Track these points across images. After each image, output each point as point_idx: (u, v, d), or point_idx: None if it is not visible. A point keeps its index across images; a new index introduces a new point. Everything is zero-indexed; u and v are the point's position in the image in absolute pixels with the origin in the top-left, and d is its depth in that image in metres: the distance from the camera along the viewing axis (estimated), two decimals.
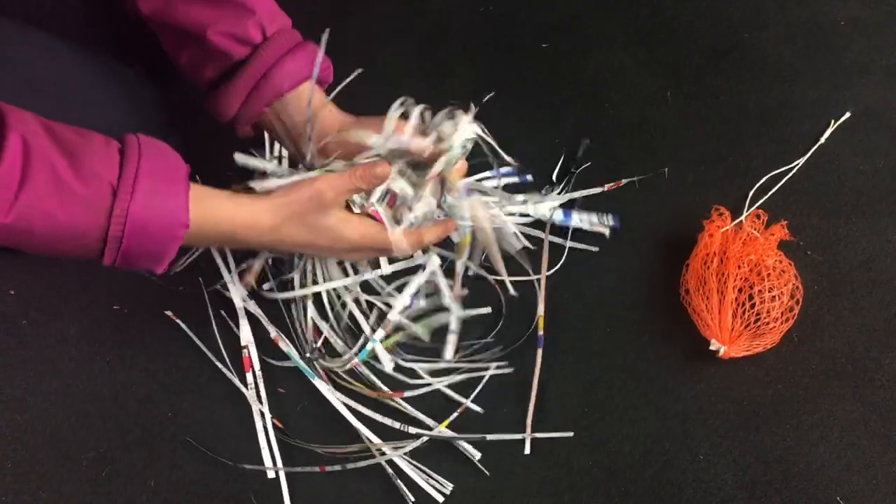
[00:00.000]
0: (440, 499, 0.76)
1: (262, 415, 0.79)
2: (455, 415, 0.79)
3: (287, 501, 0.77)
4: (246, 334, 0.82)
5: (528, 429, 0.79)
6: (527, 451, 0.79)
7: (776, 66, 0.99)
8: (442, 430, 0.79)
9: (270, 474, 0.77)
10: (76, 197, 0.61)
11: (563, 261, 0.87)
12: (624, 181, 0.92)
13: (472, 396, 0.80)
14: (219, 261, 0.85)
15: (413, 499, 0.76)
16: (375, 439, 0.78)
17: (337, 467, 0.77)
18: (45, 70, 0.76)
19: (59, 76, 0.77)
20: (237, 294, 0.84)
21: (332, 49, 1.01)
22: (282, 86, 0.76)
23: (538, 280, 0.86)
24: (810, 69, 0.99)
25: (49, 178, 0.60)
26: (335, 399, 0.80)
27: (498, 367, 0.82)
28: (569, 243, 0.88)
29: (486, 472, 0.78)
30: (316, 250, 0.73)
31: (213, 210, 0.68)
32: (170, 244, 0.65)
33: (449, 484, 0.77)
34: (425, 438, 0.78)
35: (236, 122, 0.78)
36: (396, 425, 0.79)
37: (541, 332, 0.84)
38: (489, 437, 0.78)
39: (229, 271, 0.84)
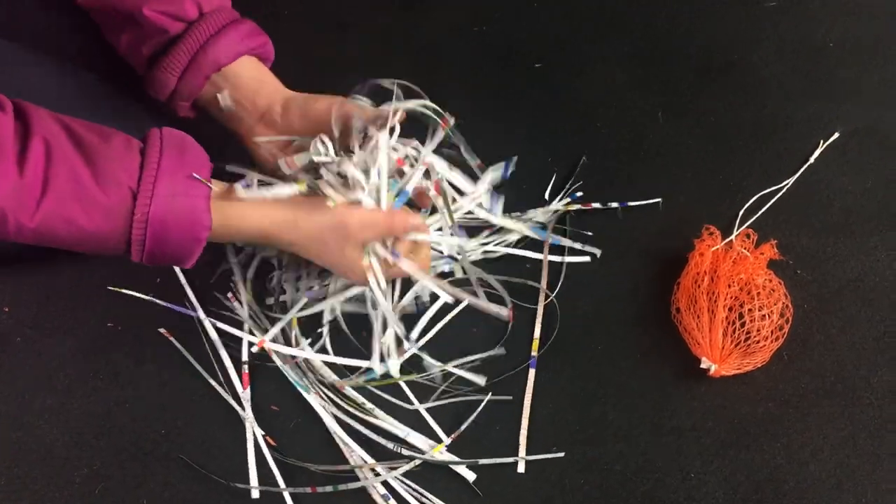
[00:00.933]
0: None
1: (255, 432, 0.79)
2: (448, 441, 0.79)
3: None
4: (243, 352, 0.83)
5: (522, 450, 0.79)
6: (520, 469, 0.79)
7: (767, 85, 1.00)
8: (436, 454, 0.79)
9: (255, 493, 0.77)
10: (97, 203, 0.62)
11: (560, 283, 0.88)
12: (615, 204, 0.93)
13: (468, 423, 0.80)
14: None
15: None
16: (369, 459, 0.78)
17: (329, 488, 0.77)
18: (14, 80, 0.77)
19: (31, 86, 0.78)
20: (243, 308, 0.84)
21: (328, 66, 1.03)
22: (219, 58, 0.77)
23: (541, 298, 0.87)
24: (801, 88, 1.00)
25: (70, 184, 0.61)
26: (329, 418, 0.80)
27: (493, 395, 0.82)
28: (566, 259, 0.89)
29: (479, 492, 0.78)
30: (326, 265, 0.75)
31: (235, 212, 0.69)
32: (193, 245, 0.67)
33: (440, 503, 0.77)
34: (418, 461, 0.78)
35: (176, 98, 0.79)
36: (390, 445, 0.79)
37: (534, 354, 0.84)
38: (482, 461, 0.78)
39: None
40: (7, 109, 0.61)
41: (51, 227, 0.62)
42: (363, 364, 0.81)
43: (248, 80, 0.79)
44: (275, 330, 0.82)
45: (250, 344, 0.83)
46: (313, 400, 0.81)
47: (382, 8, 1.08)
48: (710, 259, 0.84)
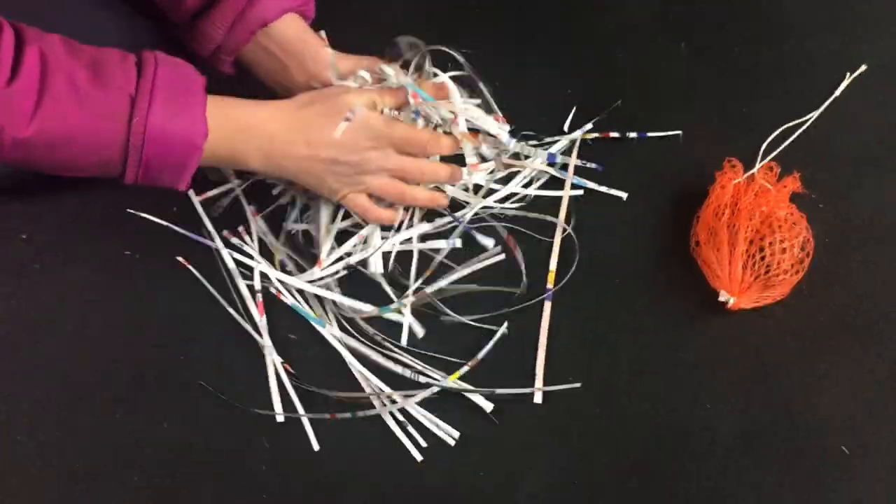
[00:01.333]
0: (451, 442, 0.77)
1: (274, 360, 0.80)
2: (466, 368, 0.80)
3: (314, 445, 0.77)
4: (257, 280, 0.83)
5: (539, 381, 0.80)
6: (537, 400, 0.79)
7: (792, 18, 0.98)
8: (452, 381, 0.79)
9: (280, 419, 0.78)
10: (96, 108, 0.63)
11: (573, 218, 0.87)
12: (634, 134, 0.91)
13: (485, 351, 0.80)
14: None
15: (425, 444, 0.77)
16: (386, 388, 0.78)
17: (347, 415, 0.78)
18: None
19: (47, 5, 0.77)
20: (253, 236, 0.85)
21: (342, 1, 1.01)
22: (266, 14, 0.76)
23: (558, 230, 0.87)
24: (827, 22, 0.98)
25: (68, 90, 0.62)
26: (345, 349, 0.80)
27: (509, 325, 0.82)
28: (568, 193, 0.88)
29: (495, 421, 0.78)
30: (335, 149, 0.74)
31: (231, 110, 0.70)
32: (190, 154, 0.67)
33: (455, 432, 0.77)
34: (435, 389, 0.78)
35: (219, 54, 0.78)
36: (407, 374, 0.79)
37: (550, 286, 0.84)
38: (499, 391, 0.78)
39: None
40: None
41: (47, 136, 0.62)
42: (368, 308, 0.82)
43: (294, 39, 0.78)
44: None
45: (263, 274, 0.83)
46: (328, 333, 0.81)
47: None
48: (732, 192, 0.83)
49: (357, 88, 0.77)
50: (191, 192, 0.85)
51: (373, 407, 0.78)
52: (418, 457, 0.76)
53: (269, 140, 0.72)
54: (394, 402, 0.78)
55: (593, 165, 0.89)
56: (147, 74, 0.65)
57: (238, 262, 0.83)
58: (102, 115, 0.63)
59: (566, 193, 0.88)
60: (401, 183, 0.80)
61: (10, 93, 0.60)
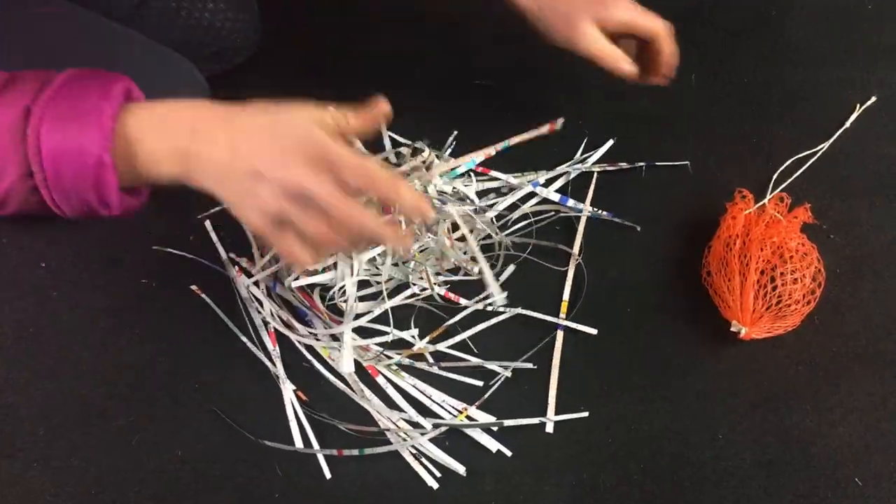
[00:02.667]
0: (462, 472, 0.77)
1: (287, 390, 0.80)
2: (477, 403, 0.80)
3: (326, 473, 0.77)
4: (269, 311, 0.84)
5: (551, 411, 0.80)
6: (548, 430, 0.79)
7: (802, 47, 0.99)
8: (464, 417, 0.79)
9: (299, 443, 0.78)
10: None
11: (580, 243, 0.88)
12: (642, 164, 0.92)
13: (495, 387, 0.81)
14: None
15: (438, 473, 0.77)
16: (400, 421, 0.78)
17: (355, 452, 0.77)
18: (56, 36, 0.76)
19: (71, 42, 0.77)
20: (261, 273, 0.85)
21: (356, 30, 1.02)
22: None
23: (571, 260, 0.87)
24: (836, 51, 0.99)
25: None
26: (357, 392, 0.81)
27: (520, 361, 0.82)
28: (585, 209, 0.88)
29: (506, 452, 0.78)
30: (259, 161, 0.58)
31: (150, 109, 0.59)
32: (88, 163, 0.57)
33: (461, 467, 0.77)
34: (444, 428, 0.78)
35: None
36: (425, 423, 0.78)
37: (563, 316, 0.84)
38: (509, 422, 0.79)
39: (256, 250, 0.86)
40: None
41: None
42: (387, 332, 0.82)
43: None
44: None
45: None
46: (334, 379, 0.82)
47: None
48: (743, 222, 0.83)
49: (317, 108, 0.61)
50: (207, 223, 0.86)
51: (383, 436, 0.78)
52: (434, 485, 0.76)
53: (190, 136, 0.58)
54: (405, 439, 0.78)
55: (606, 214, 0.90)
56: (51, 85, 0.57)
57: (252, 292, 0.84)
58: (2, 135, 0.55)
59: (581, 226, 0.89)
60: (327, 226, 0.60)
61: None
